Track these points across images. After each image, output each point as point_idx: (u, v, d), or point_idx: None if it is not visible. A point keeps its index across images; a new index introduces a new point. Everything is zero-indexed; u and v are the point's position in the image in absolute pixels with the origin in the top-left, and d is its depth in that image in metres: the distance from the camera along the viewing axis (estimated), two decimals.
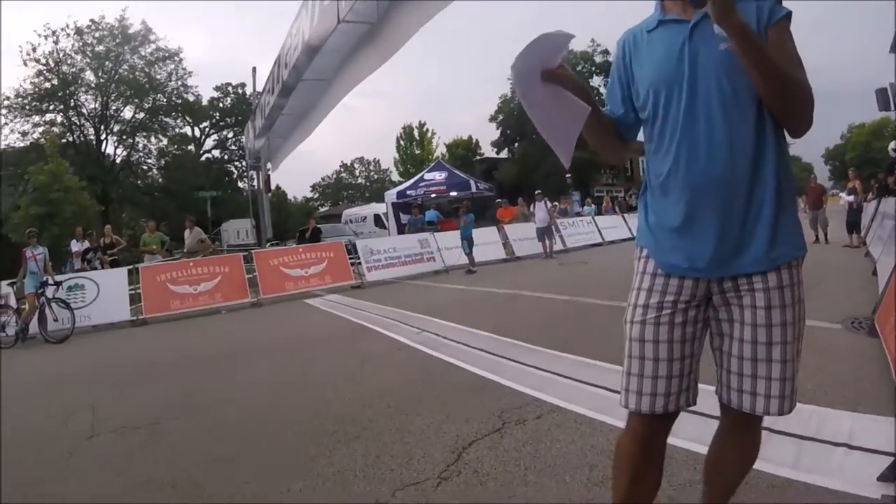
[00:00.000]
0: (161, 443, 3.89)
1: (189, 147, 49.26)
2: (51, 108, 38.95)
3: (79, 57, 39.83)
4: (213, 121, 50.45)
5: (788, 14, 1.53)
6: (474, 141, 57.02)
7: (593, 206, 25.81)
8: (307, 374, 5.43)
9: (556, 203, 21.85)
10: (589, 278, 11.16)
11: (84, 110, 40.91)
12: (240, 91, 47.06)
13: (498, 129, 53.47)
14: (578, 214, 23.79)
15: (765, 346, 1.54)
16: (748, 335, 1.55)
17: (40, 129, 37.10)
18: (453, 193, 24.67)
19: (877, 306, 5.12)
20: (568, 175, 35.08)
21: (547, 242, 16.84)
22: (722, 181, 1.49)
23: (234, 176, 50.17)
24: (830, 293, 7.29)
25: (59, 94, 38.65)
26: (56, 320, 10.17)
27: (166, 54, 43.52)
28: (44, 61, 38.26)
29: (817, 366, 4.04)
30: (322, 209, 67.20)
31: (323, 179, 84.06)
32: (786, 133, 1.57)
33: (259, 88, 21.48)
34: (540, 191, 18.39)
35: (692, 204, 1.54)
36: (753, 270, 1.53)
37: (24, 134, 37.23)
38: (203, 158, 50.12)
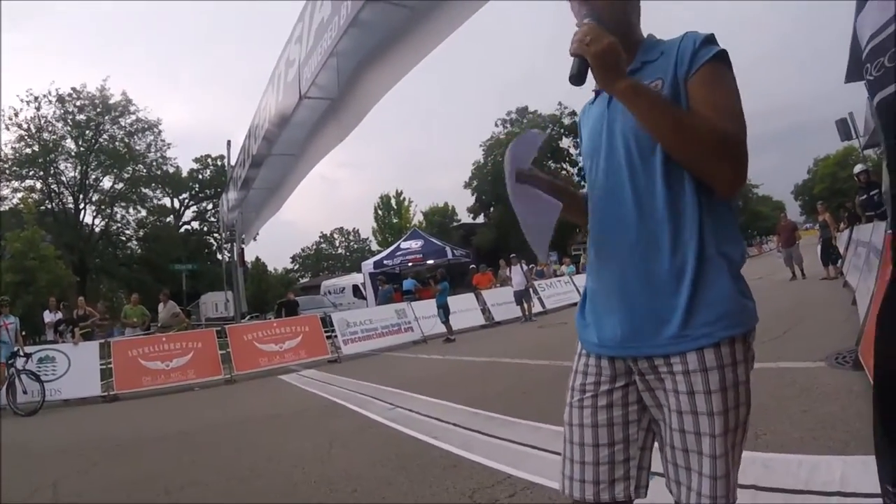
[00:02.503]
0: None
1: (168, 218, 49.36)
2: (30, 174, 39.22)
3: (60, 124, 40.48)
4: (193, 192, 50.78)
5: (717, 55, 1.38)
6: (451, 207, 58.25)
7: (571, 265, 25.90)
8: (275, 456, 5.25)
9: (533, 265, 21.98)
10: (569, 339, 11.02)
11: (63, 178, 41.34)
12: (219, 163, 47.27)
13: (473, 195, 54.77)
14: (556, 274, 23.91)
15: (693, 435, 1.33)
16: (675, 422, 1.36)
17: (19, 195, 37.18)
18: (430, 261, 24.69)
19: (859, 337, 5.11)
20: None
21: (525, 305, 16.84)
22: (628, 250, 1.40)
23: (214, 248, 50.08)
24: (811, 330, 7.34)
25: (40, 161, 38.99)
26: (25, 392, 9.98)
27: (146, 125, 44.16)
28: (25, 126, 38.79)
29: (803, 409, 4.03)
30: (302, 280, 67.16)
31: (303, 250, 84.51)
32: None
33: (233, 161, 21.59)
34: (515, 254, 18.52)
35: (601, 276, 1.48)
36: (669, 351, 1.35)
37: (1, 199, 37.21)
38: (182, 230, 50.18)
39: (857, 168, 12.37)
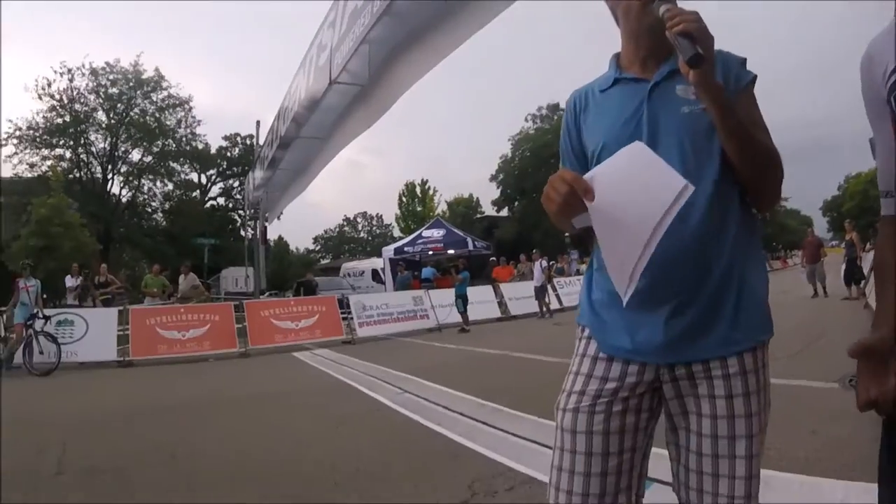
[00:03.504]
0: (124, 489, 3.77)
1: (194, 193, 49.71)
2: (61, 143, 39.65)
3: (92, 97, 40.72)
4: (220, 169, 51.06)
5: (754, 78, 1.46)
6: (475, 199, 58.02)
7: None
8: (282, 432, 5.30)
9: (553, 262, 21.88)
10: None
11: (93, 149, 41.69)
12: (248, 142, 47.46)
13: (498, 188, 54.74)
14: (578, 273, 23.74)
15: (727, 440, 1.34)
16: (707, 428, 1.35)
17: (49, 163, 37.38)
18: (450, 251, 24.73)
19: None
20: (567, 234, 35.31)
21: (542, 301, 16.76)
22: (679, 255, 1.32)
23: (237, 224, 50.44)
24: (828, 350, 7.23)
25: (70, 131, 39.42)
26: (42, 353, 10.15)
27: (177, 101, 44.35)
28: (58, 97, 39.11)
29: (812, 429, 3.99)
30: (323, 261, 67.44)
31: (325, 232, 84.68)
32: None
33: (261, 141, 21.68)
34: (536, 250, 18.44)
35: (645, 280, 1.29)
36: (711, 356, 1.35)
37: (31, 165, 37.64)
38: (207, 205, 50.51)
39: None
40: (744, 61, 1.47)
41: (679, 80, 1.41)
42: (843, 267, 15.37)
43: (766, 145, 1.36)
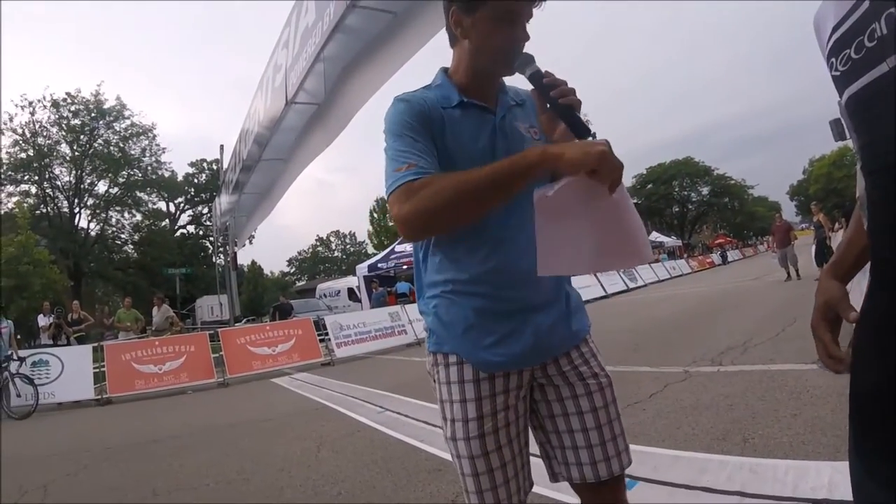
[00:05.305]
0: None
1: (163, 222, 49.13)
2: (25, 178, 38.98)
3: (54, 129, 40.05)
4: (188, 196, 50.55)
5: None
6: None
7: None
8: (263, 459, 5.27)
9: None
10: None
11: (58, 182, 40.96)
12: (214, 167, 47.12)
13: None
14: None
15: (604, 409, 1.56)
16: (586, 405, 1.55)
17: (14, 200, 36.82)
18: None
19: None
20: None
21: None
22: (529, 272, 1.36)
23: (209, 251, 49.98)
24: (805, 331, 7.20)
25: (34, 165, 38.74)
26: (19, 396, 10.05)
27: (140, 130, 43.75)
28: (20, 131, 38.52)
29: (794, 412, 4.01)
30: (299, 283, 67.13)
31: (299, 253, 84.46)
32: None
33: (225, 166, 21.52)
34: None
35: (512, 298, 1.48)
36: (570, 346, 1.58)
37: None
38: (178, 234, 49.97)
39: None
40: None
41: (515, 117, 1.58)
42: (814, 248, 15.60)
43: None
